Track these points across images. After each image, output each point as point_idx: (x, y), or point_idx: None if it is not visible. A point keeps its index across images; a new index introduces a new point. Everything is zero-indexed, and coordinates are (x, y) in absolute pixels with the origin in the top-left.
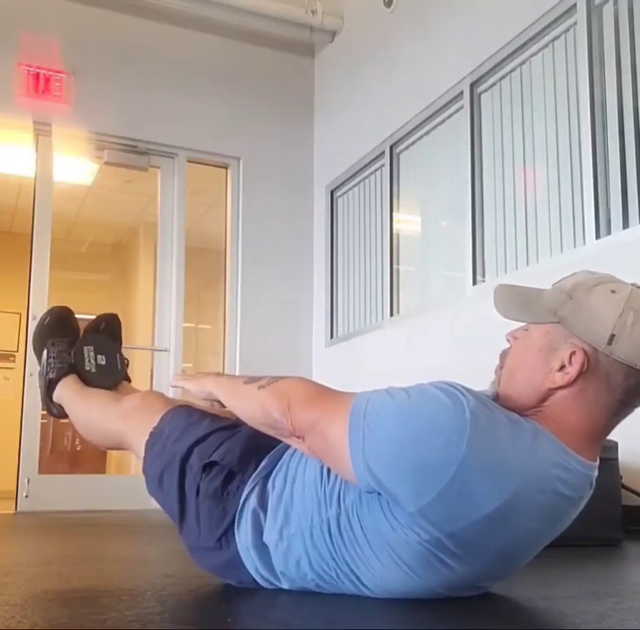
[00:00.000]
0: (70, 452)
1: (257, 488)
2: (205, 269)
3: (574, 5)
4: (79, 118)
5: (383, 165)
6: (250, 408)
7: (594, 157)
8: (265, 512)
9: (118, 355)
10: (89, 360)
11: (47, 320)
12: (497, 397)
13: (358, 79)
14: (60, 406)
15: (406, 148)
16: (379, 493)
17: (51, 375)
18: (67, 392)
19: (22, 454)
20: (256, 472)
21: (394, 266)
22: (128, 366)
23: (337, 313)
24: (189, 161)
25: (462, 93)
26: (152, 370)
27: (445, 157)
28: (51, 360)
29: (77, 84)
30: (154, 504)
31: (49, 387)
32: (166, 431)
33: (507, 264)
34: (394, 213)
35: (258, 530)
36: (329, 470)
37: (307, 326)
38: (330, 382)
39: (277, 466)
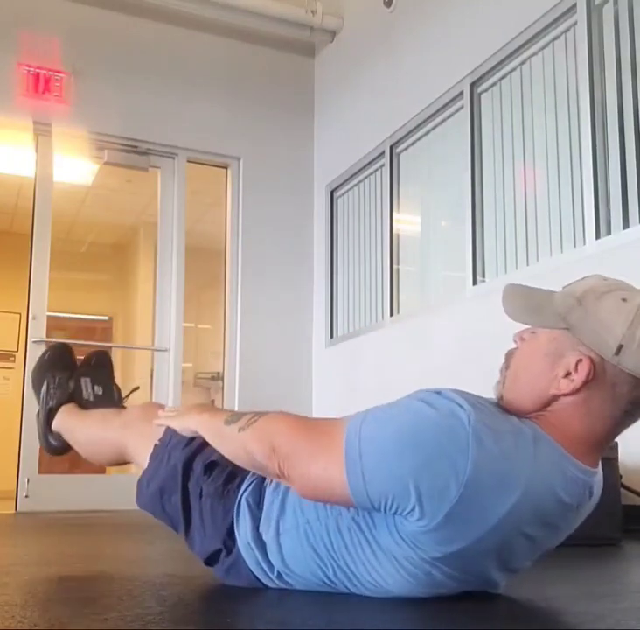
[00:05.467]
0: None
1: (253, 484)
2: (205, 269)
3: (574, 5)
4: (79, 118)
5: (383, 165)
6: (234, 451)
7: (594, 157)
8: (261, 507)
9: (114, 387)
10: (87, 390)
11: (47, 355)
12: (501, 399)
13: (357, 79)
14: (59, 436)
15: (406, 148)
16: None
17: (51, 403)
18: (67, 415)
19: (22, 454)
20: None
21: (394, 266)
22: (127, 396)
23: (336, 313)
24: (189, 161)
25: (462, 93)
26: (152, 370)
27: (445, 157)
28: (51, 390)
29: (77, 84)
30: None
31: (49, 415)
32: (173, 441)
33: (507, 264)
34: (394, 213)
35: (255, 524)
36: None
37: (307, 326)
38: (330, 382)
39: None
